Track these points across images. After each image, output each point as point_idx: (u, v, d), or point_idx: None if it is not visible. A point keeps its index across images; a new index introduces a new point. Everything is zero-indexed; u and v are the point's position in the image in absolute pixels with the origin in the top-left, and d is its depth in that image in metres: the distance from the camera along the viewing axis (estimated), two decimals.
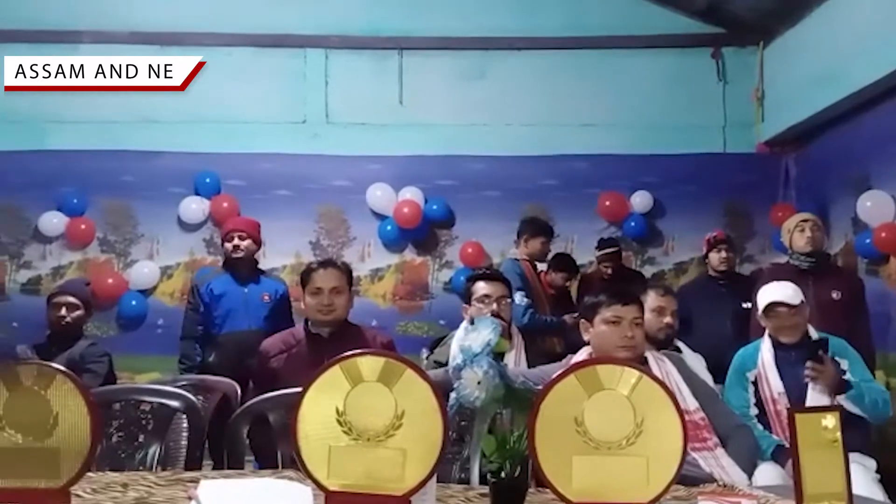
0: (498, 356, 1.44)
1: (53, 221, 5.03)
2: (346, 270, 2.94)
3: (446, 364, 2.92)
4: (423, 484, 1.32)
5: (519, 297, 3.84)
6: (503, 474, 1.43)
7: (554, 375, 1.36)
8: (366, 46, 5.43)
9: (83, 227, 5.09)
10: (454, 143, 5.34)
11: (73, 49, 5.20)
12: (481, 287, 2.90)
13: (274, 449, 2.41)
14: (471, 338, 1.44)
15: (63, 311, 3.40)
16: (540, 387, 1.37)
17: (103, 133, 5.14)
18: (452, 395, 1.44)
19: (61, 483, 1.33)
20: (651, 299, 3.01)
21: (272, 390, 2.60)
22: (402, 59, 5.44)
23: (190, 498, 1.57)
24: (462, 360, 1.45)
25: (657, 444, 1.29)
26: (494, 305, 2.85)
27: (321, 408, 1.35)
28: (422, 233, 5.28)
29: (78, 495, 1.49)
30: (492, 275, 3.01)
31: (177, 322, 4.37)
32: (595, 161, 5.32)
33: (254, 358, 3.62)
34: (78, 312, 3.44)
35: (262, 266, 4.27)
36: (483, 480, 2.11)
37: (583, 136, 5.32)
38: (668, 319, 3.02)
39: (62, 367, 1.36)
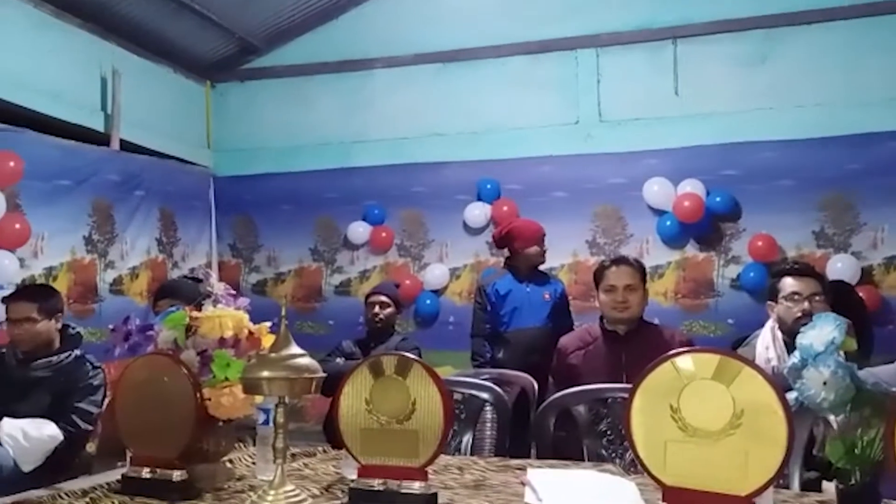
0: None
1: (359, 230, 5.63)
2: (640, 268, 2.92)
3: None
4: (767, 485, 1.28)
5: None
6: (853, 482, 1.34)
7: None
8: (638, 40, 5.34)
9: (384, 234, 5.63)
10: (737, 130, 5.03)
11: (368, 75, 5.82)
12: (790, 283, 2.69)
13: (577, 441, 2.49)
14: (811, 336, 1.37)
15: (377, 309, 3.81)
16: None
17: (398, 149, 5.64)
18: (791, 395, 1.38)
19: (420, 462, 1.49)
20: None
21: (570, 385, 2.68)
22: (677, 48, 5.27)
23: (523, 483, 1.68)
24: (800, 359, 1.39)
25: None
26: (805, 304, 2.63)
27: (654, 404, 1.37)
28: (704, 227, 5.05)
29: None
30: (802, 270, 2.78)
31: (465, 319, 4.65)
32: None
33: (538, 354, 3.78)
34: (389, 310, 3.83)
35: (540, 266, 4.39)
36: (805, 487, 1.98)
37: (894, 112, 4.71)
38: None
39: (419, 358, 1.53)
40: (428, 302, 5.49)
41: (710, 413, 1.32)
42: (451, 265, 5.56)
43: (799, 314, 2.59)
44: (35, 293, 3.04)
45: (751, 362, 1.32)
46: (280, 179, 5.79)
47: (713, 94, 5.15)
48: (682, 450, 1.34)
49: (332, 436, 3.09)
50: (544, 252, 4.15)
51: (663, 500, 1.34)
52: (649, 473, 1.36)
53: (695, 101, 5.17)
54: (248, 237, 5.94)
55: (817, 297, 2.64)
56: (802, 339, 1.37)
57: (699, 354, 1.35)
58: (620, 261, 2.93)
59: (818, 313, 1.42)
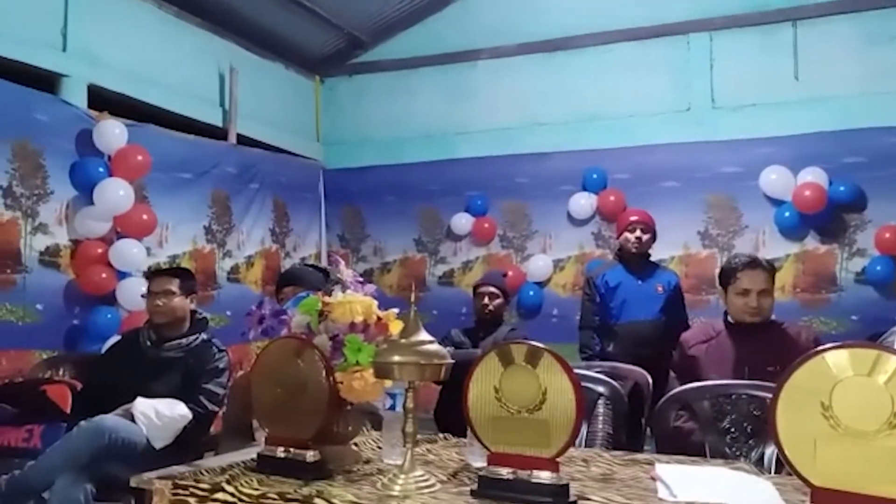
0: None
1: (462, 222, 5.66)
2: (773, 271, 2.78)
3: None
4: None
5: None
6: None
7: None
8: (754, 23, 5.12)
9: (486, 225, 5.63)
10: (862, 115, 4.75)
11: (472, 67, 5.83)
12: None
13: (698, 437, 2.42)
14: None
15: (486, 300, 3.81)
16: None
17: (500, 140, 5.63)
18: None
19: (551, 453, 1.47)
20: None
21: (693, 379, 2.60)
22: (797, 30, 5.01)
23: (653, 479, 1.64)
24: None
25: None
26: None
27: (802, 401, 1.31)
28: (826, 218, 4.79)
29: None
30: None
31: (569, 312, 4.59)
32: None
33: (649, 347, 3.70)
34: (498, 301, 3.82)
35: (642, 255, 4.27)
36: None
37: None
38: None
39: (546, 347, 1.51)
40: (531, 293, 5.46)
41: (866, 411, 1.25)
42: (555, 256, 5.50)
43: None
44: (176, 271, 3.25)
45: None
46: (386, 171, 5.89)
47: (835, 78, 4.90)
48: (834, 449, 1.27)
49: (443, 423, 3.11)
50: (640, 240, 4.00)
51: (812, 501, 1.28)
52: (797, 473, 1.30)
53: (816, 85, 4.94)
54: (356, 228, 6.07)
55: None
56: None
57: (854, 349, 1.28)
58: (755, 264, 2.75)
59: None
